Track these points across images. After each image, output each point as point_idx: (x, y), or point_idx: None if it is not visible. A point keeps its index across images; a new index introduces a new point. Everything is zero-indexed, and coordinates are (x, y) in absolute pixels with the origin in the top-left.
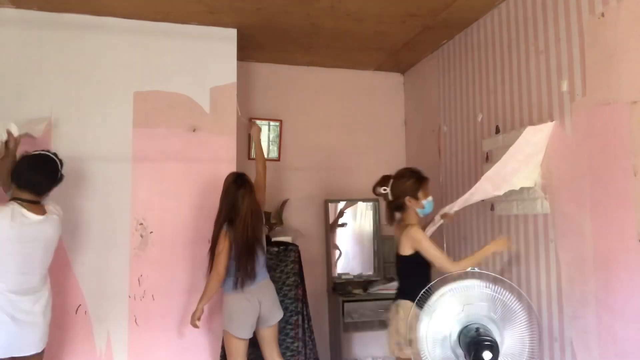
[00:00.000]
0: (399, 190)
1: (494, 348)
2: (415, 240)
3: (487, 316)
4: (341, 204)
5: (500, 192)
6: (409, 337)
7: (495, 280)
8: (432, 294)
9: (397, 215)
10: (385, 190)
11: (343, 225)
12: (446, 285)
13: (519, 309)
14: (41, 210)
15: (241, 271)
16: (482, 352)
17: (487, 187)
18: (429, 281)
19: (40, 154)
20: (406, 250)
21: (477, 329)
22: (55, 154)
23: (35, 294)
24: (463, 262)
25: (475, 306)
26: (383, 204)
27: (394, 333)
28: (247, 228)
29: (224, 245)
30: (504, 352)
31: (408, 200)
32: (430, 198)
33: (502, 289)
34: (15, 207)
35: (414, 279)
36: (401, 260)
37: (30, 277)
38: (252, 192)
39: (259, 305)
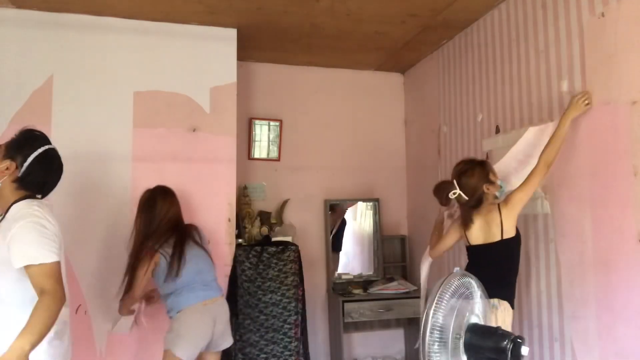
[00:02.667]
0: (473, 184)
1: (524, 342)
2: (520, 200)
3: (471, 312)
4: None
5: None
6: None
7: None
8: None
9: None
10: (455, 193)
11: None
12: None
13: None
14: None
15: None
16: (519, 349)
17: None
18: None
19: (47, 150)
20: (511, 230)
21: (498, 328)
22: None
23: None
24: (549, 150)
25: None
26: (383, 204)
27: None
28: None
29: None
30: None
31: (487, 188)
32: (499, 178)
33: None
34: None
35: (514, 271)
36: (506, 244)
37: None
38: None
39: (213, 324)
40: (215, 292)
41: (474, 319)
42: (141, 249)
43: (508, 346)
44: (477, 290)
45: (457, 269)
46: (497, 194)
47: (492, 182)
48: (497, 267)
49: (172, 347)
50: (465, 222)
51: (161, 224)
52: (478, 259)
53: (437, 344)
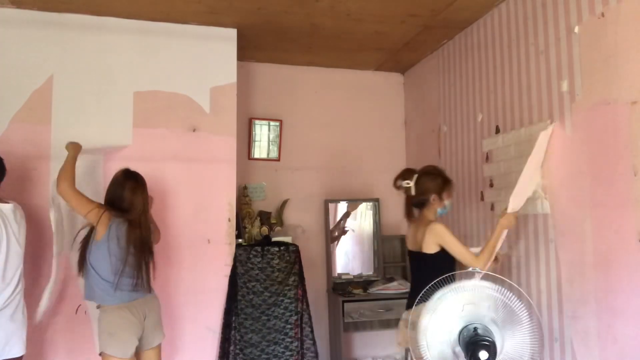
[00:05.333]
0: (425, 187)
1: (490, 348)
2: (440, 236)
3: (488, 316)
4: (341, 205)
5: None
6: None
7: (495, 280)
8: (437, 291)
9: (416, 211)
10: (408, 184)
11: (345, 232)
12: (450, 284)
13: (520, 310)
14: None
15: (134, 278)
16: (478, 352)
17: (518, 204)
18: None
19: None
20: (430, 247)
21: (476, 329)
22: None
23: None
24: (483, 254)
25: (477, 306)
26: (383, 204)
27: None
28: (142, 226)
29: (94, 205)
30: (504, 353)
31: (433, 199)
32: (450, 200)
33: (503, 289)
34: None
35: (435, 279)
36: (422, 258)
37: None
38: (144, 191)
39: (143, 319)
40: (146, 290)
41: (483, 319)
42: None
43: (469, 348)
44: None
45: (476, 269)
46: (438, 210)
47: (441, 199)
48: (416, 277)
49: (107, 350)
50: (406, 214)
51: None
52: (410, 264)
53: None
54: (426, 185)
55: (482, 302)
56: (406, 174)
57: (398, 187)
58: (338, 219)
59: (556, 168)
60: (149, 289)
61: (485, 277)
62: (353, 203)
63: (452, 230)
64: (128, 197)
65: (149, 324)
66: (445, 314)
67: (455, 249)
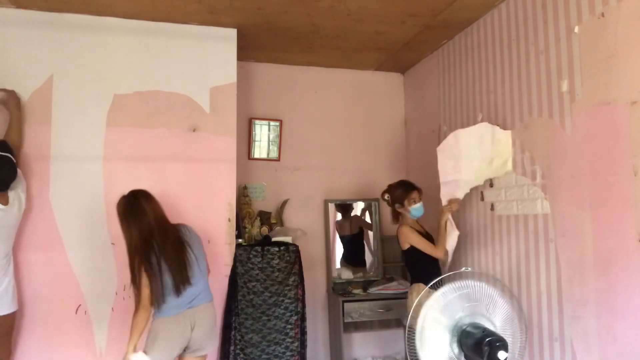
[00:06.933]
0: (392, 199)
1: (506, 347)
2: (404, 236)
3: (481, 314)
4: (359, 205)
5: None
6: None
7: (482, 278)
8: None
9: (400, 217)
10: (387, 197)
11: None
12: (444, 285)
13: (503, 302)
14: None
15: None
16: (497, 352)
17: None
18: (435, 266)
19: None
20: (404, 245)
21: (484, 329)
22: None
23: None
24: (439, 244)
25: (472, 305)
26: (383, 204)
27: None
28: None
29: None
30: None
31: (398, 208)
32: (417, 205)
33: (486, 284)
34: None
35: (419, 267)
36: (404, 254)
37: None
38: (149, 199)
39: (190, 329)
40: (202, 299)
41: (468, 319)
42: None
43: (485, 349)
44: (483, 291)
45: (468, 268)
46: (410, 214)
47: (403, 206)
48: (407, 267)
49: (147, 349)
50: (392, 220)
51: (154, 229)
52: None
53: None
54: (392, 197)
55: (475, 302)
56: (387, 189)
57: (384, 200)
58: (359, 213)
59: (556, 168)
60: (204, 295)
61: (476, 277)
62: (353, 203)
63: (454, 229)
64: (145, 217)
65: (197, 335)
66: (439, 315)
67: (419, 245)
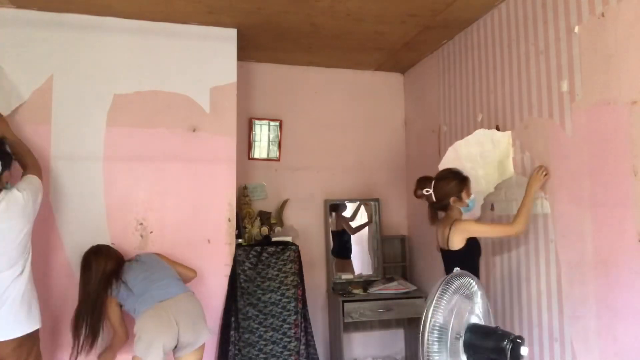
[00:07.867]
0: (443, 192)
1: (523, 342)
2: (466, 230)
3: (471, 312)
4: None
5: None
6: None
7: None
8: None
9: (440, 213)
10: (428, 192)
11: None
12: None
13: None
14: None
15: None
16: (519, 349)
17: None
18: (476, 272)
19: None
20: (457, 244)
21: (497, 328)
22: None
23: None
24: (519, 219)
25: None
26: (383, 204)
27: None
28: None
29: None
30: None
31: (453, 201)
32: (473, 196)
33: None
34: None
35: (472, 270)
36: (452, 255)
37: None
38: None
39: (175, 322)
40: (174, 290)
41: (474, 319)
42: (96, 303)
43: (507, 346)
44: (477, 291)
45: (457, 269)
46: (462, 210)
47: (461, 199)
48: (449, 271)
49: (136, 352)
50: (430, 219)
51: (102, 279)
52: (442, 260)
53: (437, 344)
54: (444, 190)
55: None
56: (422, 183)
57: (419, 197)
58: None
59: (556, 168)
60: (178, 286)
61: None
62: (353, 203)
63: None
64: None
65: (184, 330)
66: (444, 315)
67: (487, 232)
